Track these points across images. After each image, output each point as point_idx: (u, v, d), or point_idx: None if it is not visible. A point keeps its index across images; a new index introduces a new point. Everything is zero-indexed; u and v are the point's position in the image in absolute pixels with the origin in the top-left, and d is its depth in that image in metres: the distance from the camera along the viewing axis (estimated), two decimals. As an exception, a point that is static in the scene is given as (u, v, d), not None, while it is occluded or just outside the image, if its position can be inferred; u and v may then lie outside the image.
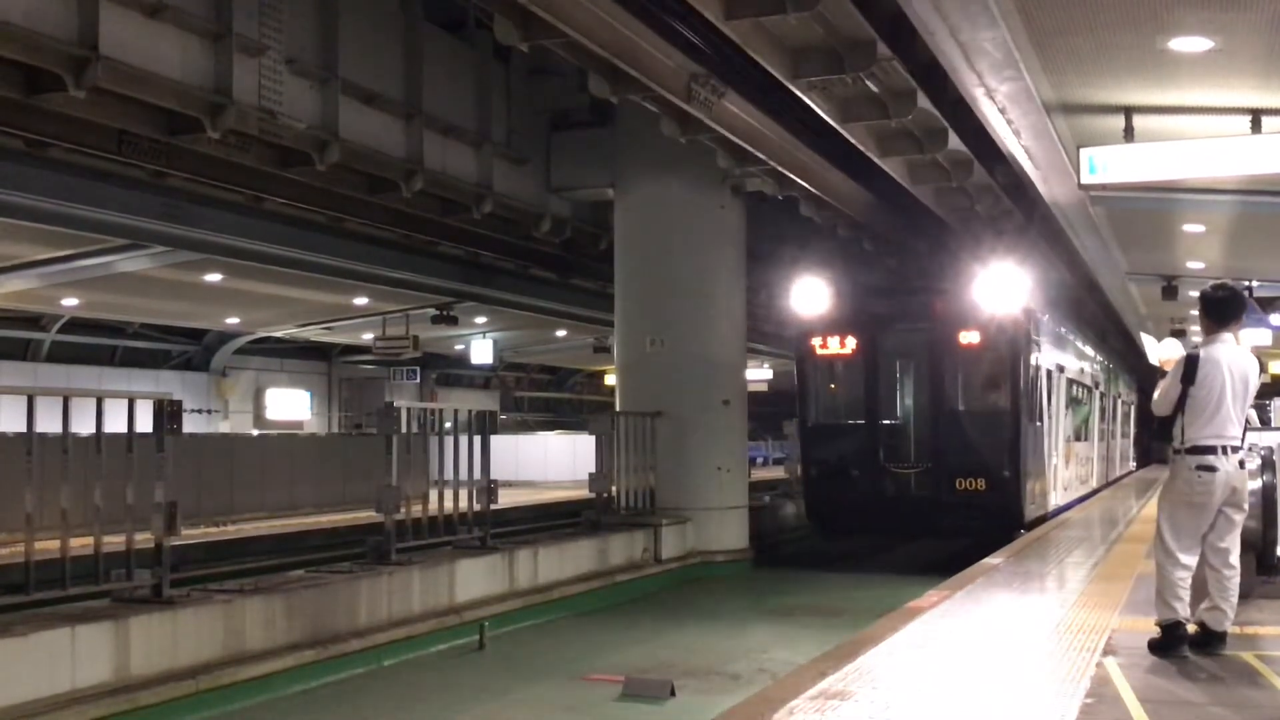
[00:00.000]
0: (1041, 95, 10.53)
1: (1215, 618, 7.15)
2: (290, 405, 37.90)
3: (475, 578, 12.50)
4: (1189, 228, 15.61)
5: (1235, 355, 7.16)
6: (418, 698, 10.01)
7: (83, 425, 9.00)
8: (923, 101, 13.53)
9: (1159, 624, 7.21)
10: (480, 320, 32.97)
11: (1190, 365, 7.09)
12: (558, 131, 19.49)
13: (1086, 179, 10.97)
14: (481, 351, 36.17)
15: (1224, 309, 7.33)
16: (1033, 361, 18.01)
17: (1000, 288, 17.11)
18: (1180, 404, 7.09)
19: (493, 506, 13.31)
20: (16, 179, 15.56)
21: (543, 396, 50.73)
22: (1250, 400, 7.23)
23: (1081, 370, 24.18)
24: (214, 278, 23.52)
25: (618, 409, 18.21)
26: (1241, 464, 7.10)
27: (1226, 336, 7.24)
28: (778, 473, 28.71)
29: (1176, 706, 6.11)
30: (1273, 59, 9.08)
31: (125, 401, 9.39)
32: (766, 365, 39.18)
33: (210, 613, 9.27)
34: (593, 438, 16.95)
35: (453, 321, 30.05)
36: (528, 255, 24.50)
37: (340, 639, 10.45)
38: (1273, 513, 9.28)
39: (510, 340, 38.25)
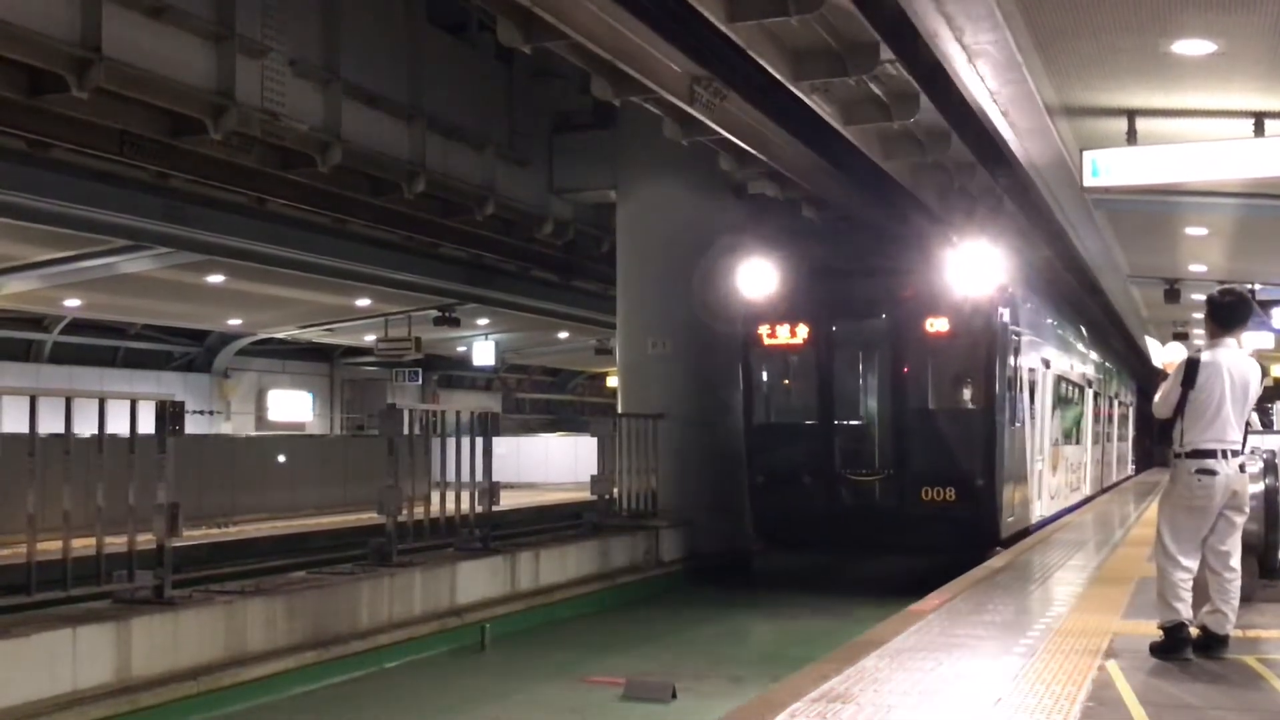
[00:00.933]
0: (1044, 98, 10.53)
1: (1217, 621, 7.14)
2: (292, 407, 37.91)
3: (477, 580, 12.50)
4: (1191, 231, 15.59)
5: (1236, 360, 7.15)
6: (419, 700, 10.01)
7: (85, 426, 9.02)
8: (925, 104, 13.52)
9: (1161, 626, 7.20)
10: (482, 322, 32.99)
11: (1190, 368, 7.09)
12: (560, 133, 19.51)
13: (1089, 181, 10.97)
14: (483, 353, 36.19)
15: (1230, 314, 7.33)
16: (1013, 353, 15.79)
17: (974, 268, 14.76)
18: (1180, 407, 7.09)
19: (494, 508, 13.32)
20: (19, 180, 15.59)
21: (544, 398, 50.73)
22: (1252, 405, 7.23)
23: (1072, 366, 21.98)
24: (216, 279, 23.55)
25: (619, 411, 18.19)
26: (1242, 467, 7.10)
27: (1230, 341, 7.24)
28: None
29: (1178, 710, 6.10)
30: (1276, 62, 9.08)
31: (127, 403, 9.39)
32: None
33: (212, 614, 9.27)
34: (594, 439, 16.94)
35: (455, 323, 30.07)
36: (530, 257, 24.52)
37: (342, 640, 10.45)
38: (1274, 516, 9.26)
39: (512, 342, 38.26)
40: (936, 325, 15.36)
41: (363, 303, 28.34)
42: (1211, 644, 7.17)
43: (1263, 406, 19.78)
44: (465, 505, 12.97)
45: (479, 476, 13.12)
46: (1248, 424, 7.24)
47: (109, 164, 15.32)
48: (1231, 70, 9.37)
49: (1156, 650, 7.22)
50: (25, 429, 8.60)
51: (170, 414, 9.38)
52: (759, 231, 19.04)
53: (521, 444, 33.59)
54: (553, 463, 31.97)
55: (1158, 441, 8.53)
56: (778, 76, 12.52)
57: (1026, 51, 9.28)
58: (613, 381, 32.35)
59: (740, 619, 14.53)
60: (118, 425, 9.18)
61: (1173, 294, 20.04)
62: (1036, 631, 8.35)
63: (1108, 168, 10.85)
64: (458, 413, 13.87)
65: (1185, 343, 22.01)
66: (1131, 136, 10.75)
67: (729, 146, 15.58)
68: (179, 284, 23.84)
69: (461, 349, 37.12)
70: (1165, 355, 9.34)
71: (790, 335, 16.11)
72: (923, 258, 15.47)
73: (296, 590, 10.39)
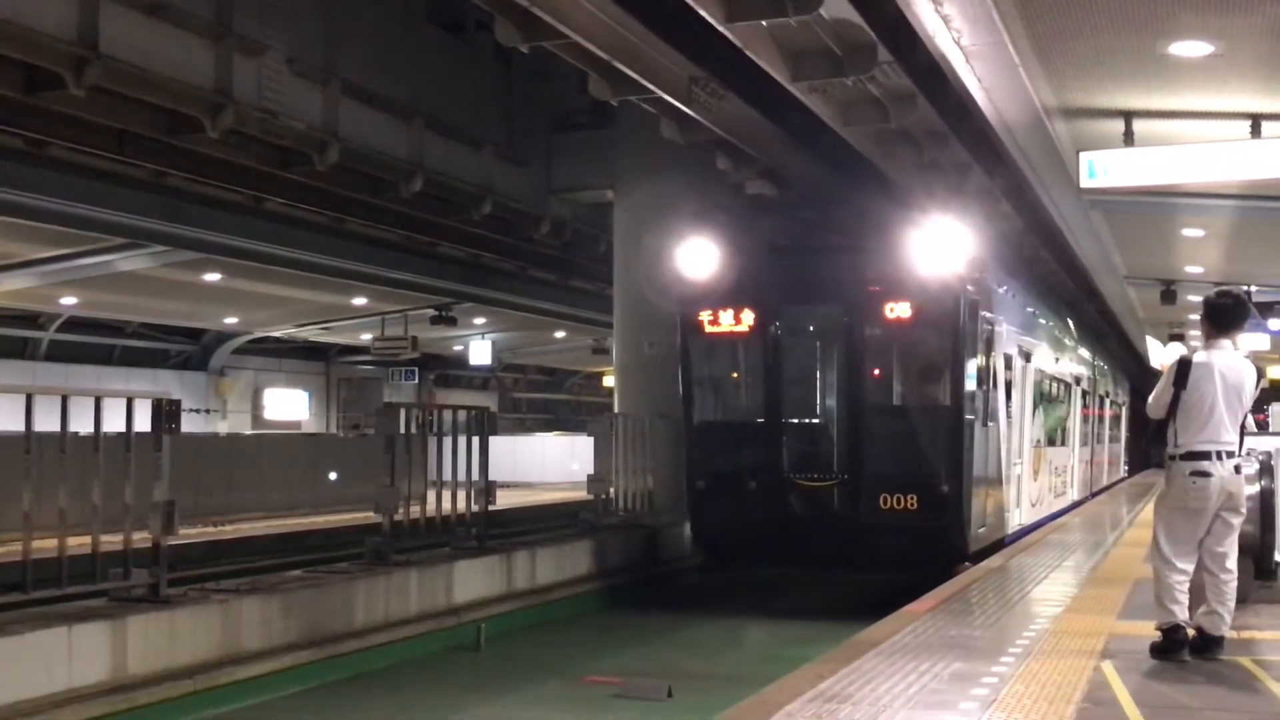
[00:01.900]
0: (1041, 99, 10.54)
1: (1212, 622, 7.14)
2: (288, 405, 37.92)
3: (473, 579, 12.49)
4: (1188, 232, 15.61)
5: (1230, 361, 7.15)
6: (415, 699, 10.00)
7: (81, 424, 9.00)
8: (923, 105, 13.53)
9: (1159, 628, 7.21)
10: (479, 321, 33.00)
11: (1182, 369, 7.09)
12: (558, 133, 19.51)
13: (1086, 183, 10.98)
14: (480, 352, 36.20)
15: (1227, 316, 7.32)
16: (984, 343, 14.22)
17: (939, 245, 13.02)
18: (1172, 408, 7.09)
19: (491, 508, 13.32)
20: (17, 178, 15.58)
21: (541, 398, 50.73)
22: (1247, 407, 7.21)
23: (1057, 360, 20.38)
24: (213, 277, 23.55)
25: (616, 410, 18.17)
26: (1238, 469, 7.10)
27: (1225, 343, 7.23)
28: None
29: (1173, 711, 6.11)
30: (1273, 64, 9.09)
31: (123, 401, 9.38)
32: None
33: (208, 612, 9.26)
34: (590, 439, 16.93)
35: (451, 322, 30.09)
36: (527, 256, 24.54)
37: (338, 639, 10.44)
38: (1270, 518, 9.27)
39: (509, 341, 38.29)
40: (898, 310, 13.49)
41: (359, 301, 28.34)
42: (1207, 645, 7.17)
43: (1261, 409, 19.73)
44: (462, 504, 12.97)
45: (475, 476, 13.12)
46: (1243, 426, 7.25)
47: (107, 162, 15.33)
48: (1228, 72, 9.38)
49: (1155, 651, 7.22)
50: (21, 427, 8.59)
51: (166, 412, 9.37)
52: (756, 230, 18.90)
53: (518, 443, 33.59)
54: (549, 462, 31.96)
55: (1152, 442, 8.45)
56: (776, 76, 12.54)
57: (1024, 53, 9.29)
58: (609, 381, 32.34)
59: (738, 619, 14.52)
60: (114, 423, 9.17)
61: (1169, 295, 20.06)
62: (1032, 632, 8.35)
63: (1105, 169, 10.86)
64: (454, 411, 13.86)
65: (1183, 343, 22.02)
66: (1128, 138, 10.76)
67: (726, 146, 15.57)
68: (175, 282, 23.84)
69: (458, 348, 37.14)
70: (1164, 356, 9.35)
71: (734, 322, 14.19)
72: (881, 235, 13.66)
73: (292, 589, 10.38)
